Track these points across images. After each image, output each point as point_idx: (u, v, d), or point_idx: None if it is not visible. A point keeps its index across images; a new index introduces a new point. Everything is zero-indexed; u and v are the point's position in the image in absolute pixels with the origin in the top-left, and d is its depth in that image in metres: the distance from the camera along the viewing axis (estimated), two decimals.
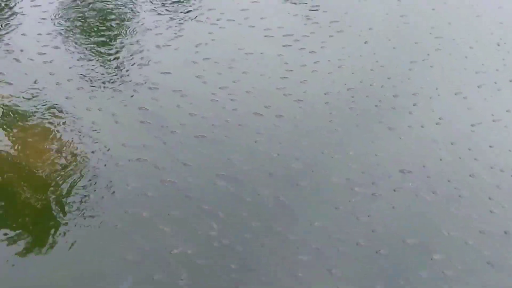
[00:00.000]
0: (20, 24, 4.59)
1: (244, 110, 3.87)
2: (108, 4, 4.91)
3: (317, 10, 5.01)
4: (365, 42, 4.67)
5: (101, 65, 4.20)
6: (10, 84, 3.95)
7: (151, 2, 4.97)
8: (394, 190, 3.40)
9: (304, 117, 3.87)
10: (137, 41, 4.49)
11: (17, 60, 4.18)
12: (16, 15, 4.69)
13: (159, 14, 4.82)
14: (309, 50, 4.50)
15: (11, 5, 4.83)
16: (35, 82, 3.97)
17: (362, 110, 3.98)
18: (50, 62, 4.18)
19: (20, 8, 4.77)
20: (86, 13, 4.76)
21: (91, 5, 4.87)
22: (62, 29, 4.56)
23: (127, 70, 4.17)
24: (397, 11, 5.09)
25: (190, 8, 4.93)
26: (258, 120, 3.81)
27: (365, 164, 3.55)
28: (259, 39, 4.59)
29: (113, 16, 4.77)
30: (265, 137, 3.68)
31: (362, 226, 3.18)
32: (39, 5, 4.81)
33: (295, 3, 5.10)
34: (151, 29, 4.62)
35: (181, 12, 4.87)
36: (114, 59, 4.29)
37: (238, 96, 3.98)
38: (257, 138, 3.66)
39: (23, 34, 4.46)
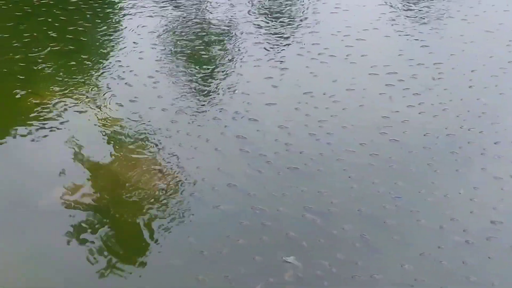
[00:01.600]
0: (134, 49, 4.98)
1: (339, 146, 3.99)
2: (214, 36, 5.22)
3: (423, 51, 5.07)
4: (470, 87, 4.67)
5: (204, 93, 4.48)
6: (121, 106, 4.30)
7: (255, 35, 5.22)
8: (488, 239, 3.38)
9: (401, 158, 3.93)
10: (240, 71, 4.74)
11: (128, 84, 4.54)
12: (132, 41, 5.09)
13: (262, 47, 5.06)
14: (412, 91, 4.55)
15: (128, 31, 5.25)
16: (137, 105, 4.30)
17: (462, 155, 3.98)
18: (158, 87, 4.52)
19: (138, 34, 5.17)
20: (194, 42, 5.09)
21: (199, 35, 5.19)
22: (172, 56, 4.90)
23: (228, 99, 4.41)
24: (504, 56, 5.05)
25: (293, 42, 5.14)
26: (352, 156, 3.91)
27: (459, 210, 3.55)
28: (361, 76, 4.71)
29: (218, 47, 5.07)
30: (358, 174, 3.77)
31: (451, 272, 3.19)
32: (153, 31, 5.19)
33: (402, 43, 5.18)
34: (253, 61, 4.86)
35: (284, 46, 5.08)
36: (216, 87, 4.55)
37: (334, 131, 4.12)
38: (350, 174, 3.76)
39: (139, 59, 4.84)
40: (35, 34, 5.18)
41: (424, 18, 5.59)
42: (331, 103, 4.39)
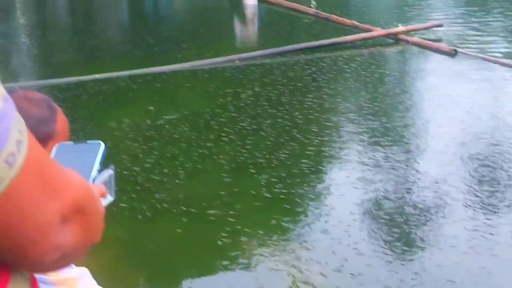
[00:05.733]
0: (340, 220, 5.15)
1: None
2: (413, 217, 5.19)
3: None
4: None
5: (402, 271, 4.42)
6: (323, 275, 4.38)
7: (461, 218, 5.11)
8: None
9: None
10: (434, 256, 4.62)
11: (332, 252, 4.64)
12: (335, 206, 5.29)
13: (468, 235, 4.91)
14: None
15: (334, 199, 5.49)
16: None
17: None
18: (362, 259, 4.56)
19: (344, 204, 5.40)
20: (393, 217, 5.12)
21: (397, 211, 5.24)
22: (376, 231, 4.96)
23: (429, 278, 4.31)
24: None
25: (499, 232, 4.95)
26: None
27: None
28: None
29: (417, 230, 5.02)
30: None
31: None
32: (361, 204, 5.32)
33: None
34: (466, 245, 4.74)
35: (489, 233, 4.91)
36: (412, 264, 4.50)
37: None
38: None
39: (344, 231, 4.96)
40: (236, 190, 5.56)
41: None
42: None
